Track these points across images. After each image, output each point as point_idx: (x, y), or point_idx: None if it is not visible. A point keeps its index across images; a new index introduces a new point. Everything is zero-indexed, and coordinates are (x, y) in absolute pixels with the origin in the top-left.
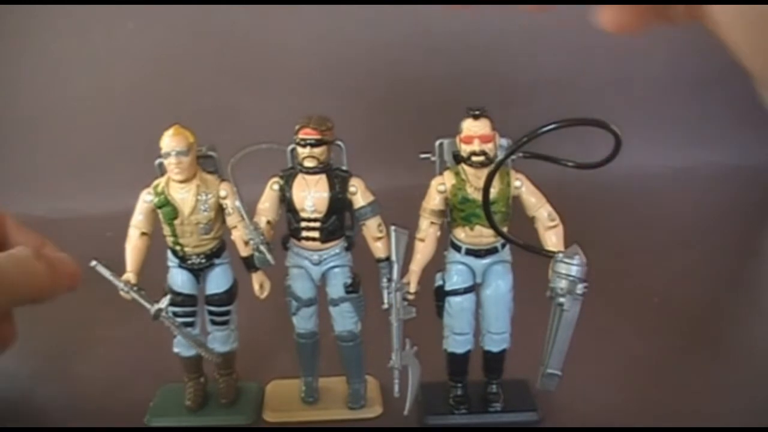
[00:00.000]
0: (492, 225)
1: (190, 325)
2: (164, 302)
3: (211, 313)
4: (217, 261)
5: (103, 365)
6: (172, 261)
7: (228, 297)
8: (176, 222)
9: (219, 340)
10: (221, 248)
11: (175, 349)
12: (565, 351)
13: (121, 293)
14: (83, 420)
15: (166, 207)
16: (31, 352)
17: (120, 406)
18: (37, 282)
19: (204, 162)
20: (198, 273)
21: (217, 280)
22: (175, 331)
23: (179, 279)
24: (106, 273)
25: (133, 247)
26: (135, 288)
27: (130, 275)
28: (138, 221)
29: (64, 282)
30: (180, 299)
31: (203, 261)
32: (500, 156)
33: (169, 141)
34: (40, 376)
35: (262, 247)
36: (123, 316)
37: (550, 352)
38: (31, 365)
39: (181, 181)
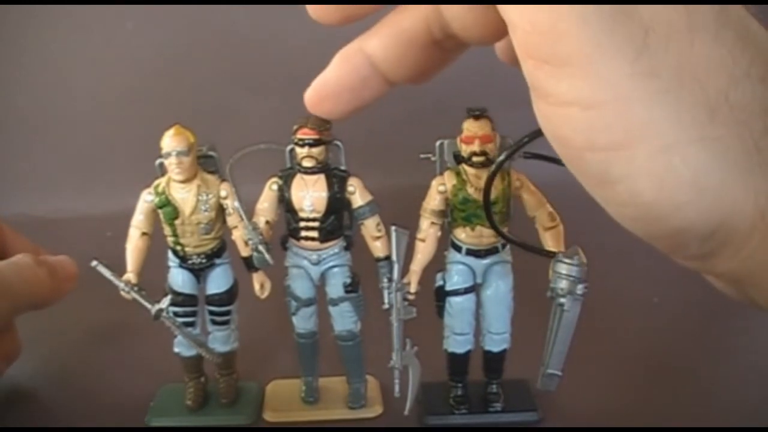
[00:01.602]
0: (492, 225)
1: (191, 325)
2: (165, 302)
3: (211, 313)
4: (217, 261)
5: (103, 365)
6: (172, 261)
7: (228, 297)
8: (177, 222)
9: (219, 340)
10: (222, 248)
11: (176, 349)
12: (566, 351)
13: (122, 293)
14: (83, 420)
15: (166, 207)
16: (31, 352)
17: (120, 406)
18: (39, 289)
19: (204, 162)
20: (198, 273)
21: (218, 280)
22: (175, 331)
23: (180, 279)
24: (106, 273)
25: (133, 247)
26: (136, 288)
27: (130, 275)
28: (138, 221)
29: (65, 286)
30: (180, 299)
31: (204, 261)
32: (501, 156)
33: (170, 141)
34: (39, 376)
35: (260, 247)
36: (123, 316)
37: (551, 353)
38: (31, 366)
39: (182, 181)
